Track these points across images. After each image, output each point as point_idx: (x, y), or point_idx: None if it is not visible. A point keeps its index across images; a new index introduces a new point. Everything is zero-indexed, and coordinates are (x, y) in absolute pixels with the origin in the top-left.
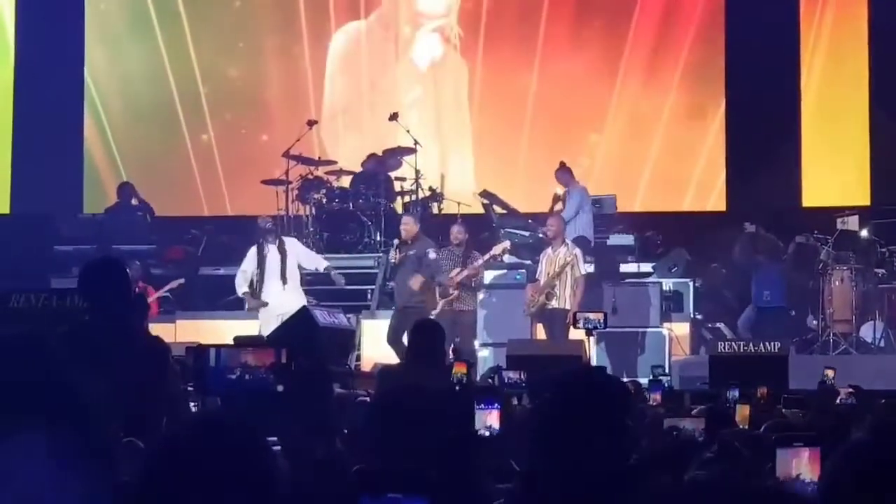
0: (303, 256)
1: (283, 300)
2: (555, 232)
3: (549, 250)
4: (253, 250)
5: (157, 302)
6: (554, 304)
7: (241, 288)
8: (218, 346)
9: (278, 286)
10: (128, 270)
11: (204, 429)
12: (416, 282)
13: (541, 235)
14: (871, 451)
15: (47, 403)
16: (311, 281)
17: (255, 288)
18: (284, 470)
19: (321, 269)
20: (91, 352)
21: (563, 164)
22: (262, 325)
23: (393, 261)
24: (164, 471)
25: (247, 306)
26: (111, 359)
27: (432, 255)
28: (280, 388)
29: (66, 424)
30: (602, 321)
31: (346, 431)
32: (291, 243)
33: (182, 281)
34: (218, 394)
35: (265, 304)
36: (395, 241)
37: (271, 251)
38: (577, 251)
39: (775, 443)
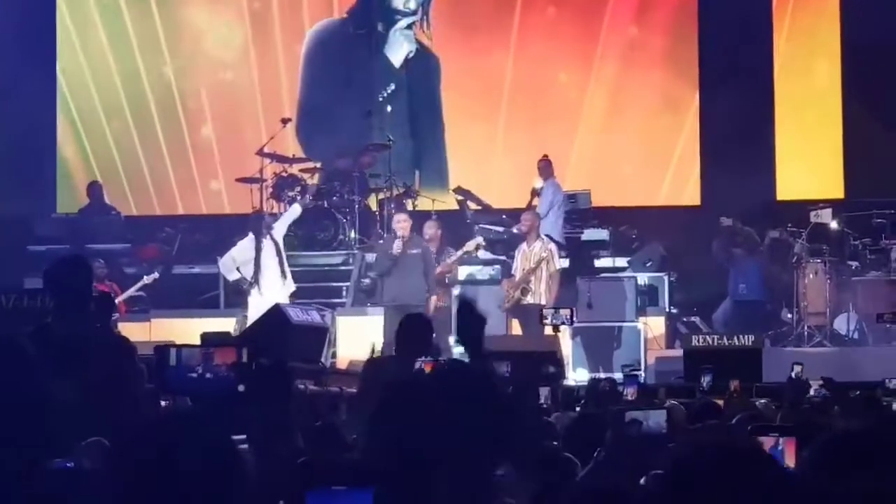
0: (284, 225)
1: (283, 295)
2: (529, 227)
3: (523, 245)
4: (249, 242)
5: (123, 302)
6: (529, 299)
7: (232, 273)
8: (179, 346)
9: (278, 281)
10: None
11: (170, 426)
12: (432, 304)
13: (515, 231)
14: (849, 439)
15: (13, 402)
16: None
17: (252, 281)
18: (250, 467)
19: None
20: (56, 351)
21: (545, 158)
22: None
23: (397, 252)
24: (131, 467)
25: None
26: (75, 358)
27: (431, 257)
28: (241, 387)
29: (31, 422)
30: (569, 317)
31: (317, 425)
32: (277, 232)
33: (156, 276)
34: (179, 392)
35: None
36: (399, 234)
37: (267, 246)
38: (552, 246)
39: (751, 432)
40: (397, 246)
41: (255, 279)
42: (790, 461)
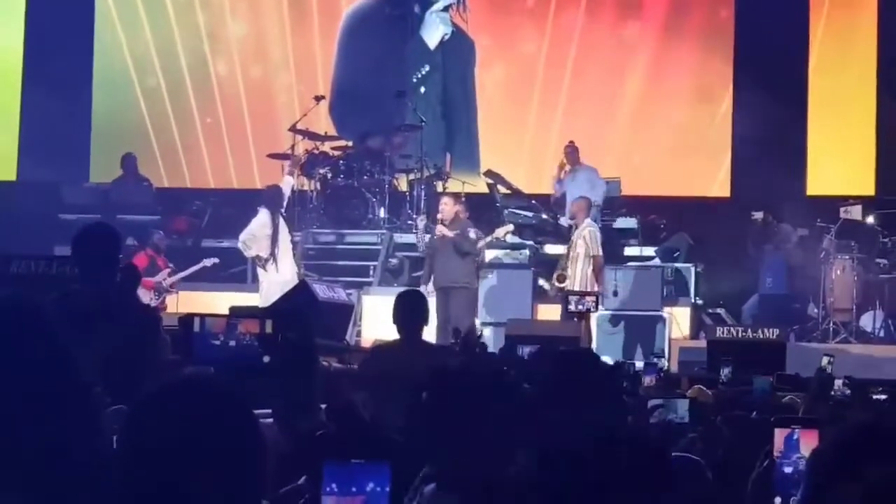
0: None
1: (294, 272)
2: (573, 214)
3: (574, 232)
4: (266, 218)
5: (172, 280)
6: (566, 284)
7: (250, 250)
8: (203, 315)
9: (290, 260)
10: (129, 240)
11: (187, 389)
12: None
13: (561, 221)
14: (861, 430)
15: (36, 368)
16: (313, 255)
17: (268, 257)
18: (270, 439)
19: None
20: (79, 318)
21: (572, 143)
22: (264, 299)
23: (438, 236)
24: (144, 431)
25: (259, 273)
26: (98, 326)
27: (472, 234)
28: (266, 358)
29: (53, 389)
30: (594, 304)
31: (339, 403)
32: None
33: (216, 260)
34: (203, 361)
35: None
36: (439, 217)
37: (283, 225)
38: (588, 232)
39: (773, 423)
40: (439, 229)
41: (273, 255)
42: (805, 451)
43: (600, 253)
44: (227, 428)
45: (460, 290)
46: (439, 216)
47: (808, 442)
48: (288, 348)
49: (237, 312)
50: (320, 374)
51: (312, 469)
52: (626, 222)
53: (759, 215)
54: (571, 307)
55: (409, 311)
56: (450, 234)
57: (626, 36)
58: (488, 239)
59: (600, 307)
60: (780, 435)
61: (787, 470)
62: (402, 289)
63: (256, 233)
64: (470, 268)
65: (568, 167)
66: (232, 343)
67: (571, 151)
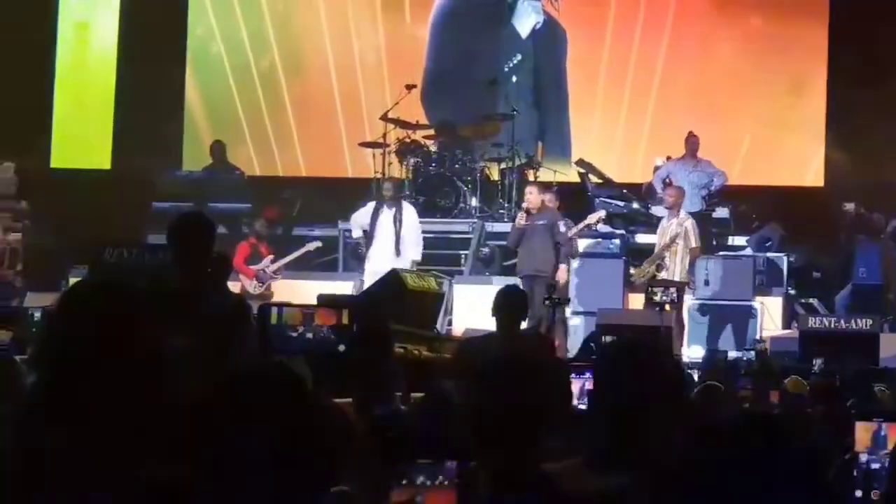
0: (410, 231)
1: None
2: (672, 202)
3: (664, 221)
4: (371, 206)
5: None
6: (663, 275)
7: (357, 231)
8: (280, 304)
9: (390, 253)
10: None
11: (253, 377)
12: (562, 274)
13: (659, 208)
14: None
15: (124, 355)
16: None
17: (364, 248)
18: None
19: (408, 257)
20: (168, 305)
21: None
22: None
23: (519, 224)
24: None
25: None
26: (189, 314)
27: (563, 228)
28: (341, 347)
29: (141, 377)
30: (676, 295)
31: (427, 391)
32: (409, 213)
33: (319, 244)
34: (280, 351)
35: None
36: (524, 206)
37: (385, 215)
38: (689, 223)
39: (855, 416)
40: (520, 217)
41: (368, 243)
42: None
43: (700, 244)
44: (288, 418)
45: (542, 279)
46: (525, 205)
47: (894, 437)
48: (362, 338)
49: (323, 301)
50: (395, 363)
51: (386, 455)
52: (719, 212)
53: (850, 206)
54: (656, 298)
55: (508, 307)
56: (524, 222)
57: (718, 25)
58: (581, 226)
59: (691, 297)
60: (861, 429)
61: (874, 466)
62: (493, 278)
63: (357, 218)
64: (556, 255)
65: (661, 161)
66: (309, 335)
67: (692, 142)
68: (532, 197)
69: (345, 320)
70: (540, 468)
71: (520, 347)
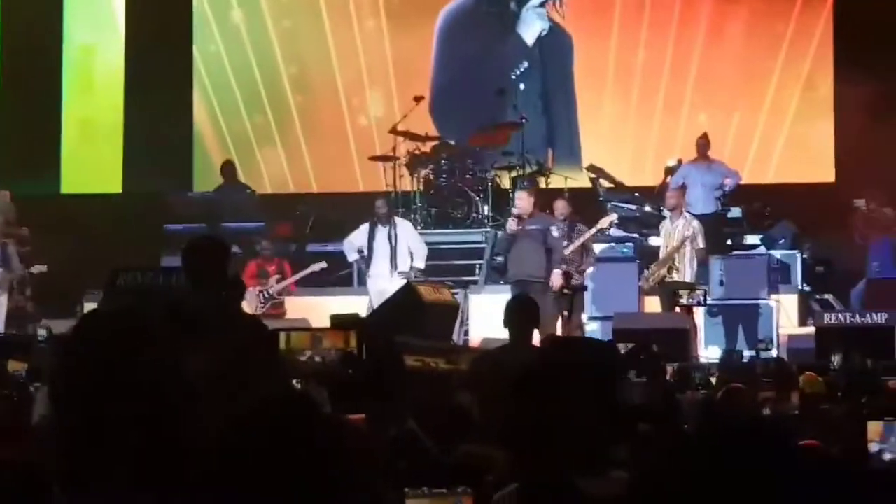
0: (413, 243)
1: (390, 285)
2: (674, 204)
3: (667, 223)
4: (365, 227)
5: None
6: (675, 276)
7: (351, 255)
8: (289, 329)
9: (386, 270)
10: (234, 248)
11: (280, 405)
12: (556, 279)
13: (662, 209)
14: None
15: (143, 381)
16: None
17: (363, 267)
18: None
19: (415, 266)
20: (183, 328)
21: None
22: (374, 302)
23: (511, 230)
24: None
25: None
26: (206, 337)
27: (556, 233)
28: (350, 371)
29: (160, 403)
30: (703, 297)
31: (447, 407)
32: (404, 228)
33: (324, 265)
34: (287, 375)
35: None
36: (514, 211)
37: (380, 233)
38: (696, 224)
39: (866, 416)
40: (510, 223)
41: (367, 263)
42: None
43: (706, 245)
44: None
45: (535, 284)
46: (516, 211)
47: None
48: (371, 361)
49: (338, 321)
50: (406, 383)
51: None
52: (732, 211)
53: (860, 202)
54: (683, 300)
55: (519, 316)
56: (516, 227)
57: (724, 25)
58: (593, 231)
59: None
60: (872, 428)
61: (887, 457)
62: (508, 286)
63: (353, 239)
64: (549, 260)
65: (673, 162)
66: (318, 359)
67: (703, 144)
68: (522, 203)
69: (352, 343)
70: (573, 481)
71: (537, 356)
